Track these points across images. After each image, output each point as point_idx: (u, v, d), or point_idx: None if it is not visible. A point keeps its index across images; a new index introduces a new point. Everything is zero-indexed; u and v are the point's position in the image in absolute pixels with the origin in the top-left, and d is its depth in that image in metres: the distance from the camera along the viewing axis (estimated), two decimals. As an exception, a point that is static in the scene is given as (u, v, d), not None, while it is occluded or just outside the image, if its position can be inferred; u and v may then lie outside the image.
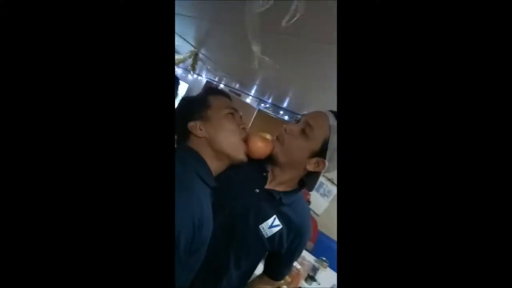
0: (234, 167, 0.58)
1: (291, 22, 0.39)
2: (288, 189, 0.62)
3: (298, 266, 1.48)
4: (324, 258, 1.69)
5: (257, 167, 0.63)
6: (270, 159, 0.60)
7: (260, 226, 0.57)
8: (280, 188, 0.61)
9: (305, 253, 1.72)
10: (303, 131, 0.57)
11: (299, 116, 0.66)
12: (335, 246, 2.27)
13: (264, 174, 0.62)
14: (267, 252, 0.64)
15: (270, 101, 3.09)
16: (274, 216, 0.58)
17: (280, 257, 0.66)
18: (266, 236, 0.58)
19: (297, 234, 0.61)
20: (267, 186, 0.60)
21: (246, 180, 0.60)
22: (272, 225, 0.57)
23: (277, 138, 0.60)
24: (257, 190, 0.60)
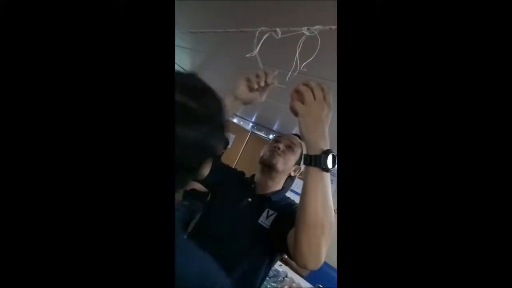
0: (227, 186, 0.78)
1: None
2: (274, 190, 0.77)
3: (294, 295, 1.41)
4: (320, 286, 1.62)
5: (245, 182, 0.82)
6: (271, 169, 0.75)
7: (259, 221, 0.68)
8: (268, 191, 0.76)
9: (301, 280, 1.65)
10: (289, 147, 0.77)
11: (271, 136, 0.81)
12: (331, 271, 2.18)
13: (252, 185, 0.79)
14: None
15: (260, 123, 3.19)
16: (267, 208, 0.70)
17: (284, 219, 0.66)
18: (267, 227, 0.67)
19: (292, 207, 0.71)
20: (259, 192, 0.76)
21: (238, 193, 0.76)
22: (268, 215, 0.69)
23: (277, 153, 0.75)
24: (250, 199, 0.75)
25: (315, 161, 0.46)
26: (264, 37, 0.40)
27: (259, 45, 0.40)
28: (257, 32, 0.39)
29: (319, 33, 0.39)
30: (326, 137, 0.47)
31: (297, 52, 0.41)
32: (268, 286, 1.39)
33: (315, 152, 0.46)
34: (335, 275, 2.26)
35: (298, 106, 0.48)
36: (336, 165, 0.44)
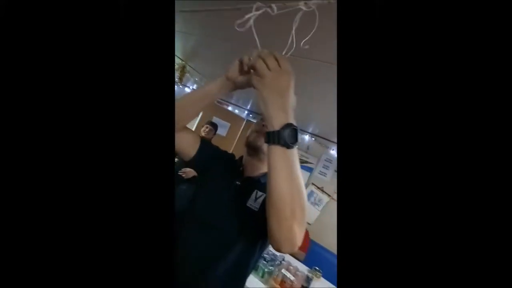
0: (215, 169, 0.72)
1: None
2: (263, 171, 0.71)
3: (292, 278, 1.46)
4: (317, 268, 1.68)
5: (234, 164, 0.76)
6: (257, 152, 0.69)
7: (247, 204, 0.63)
8: (257, 173, 0.71)
9: (298, 264, 1.70)
10: None
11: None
12: (327, 255, 2.26)
13: (241, 168, 0.74)
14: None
15: (256, 111, 3.16)
16: (255, 190, 0.65)
17: None
18: (256, 210, 0.63)
19: None
20: (248, 175, 0.71)
21: (226, 176, 0.71)
22: (257, 198, 0.64)
23: (262, 134, 0.68)
24: (238, 182, 0.69)
25: (273, 137, 0.41)
26: (258, 13, 0.37)
27: (253, 19, 0.37)
28: (254, 6, 0.36)
29: (317, 8, 0.36)
30: (287, 109, 0.42)
31: (294, 29, 0.38)
32: (266, 270, 1.43)
33: (273, 127, 0.41)
34: (332, 258, 2.35)
35: (254, 80, 0.43)
36: (298, 140, 0.41)
